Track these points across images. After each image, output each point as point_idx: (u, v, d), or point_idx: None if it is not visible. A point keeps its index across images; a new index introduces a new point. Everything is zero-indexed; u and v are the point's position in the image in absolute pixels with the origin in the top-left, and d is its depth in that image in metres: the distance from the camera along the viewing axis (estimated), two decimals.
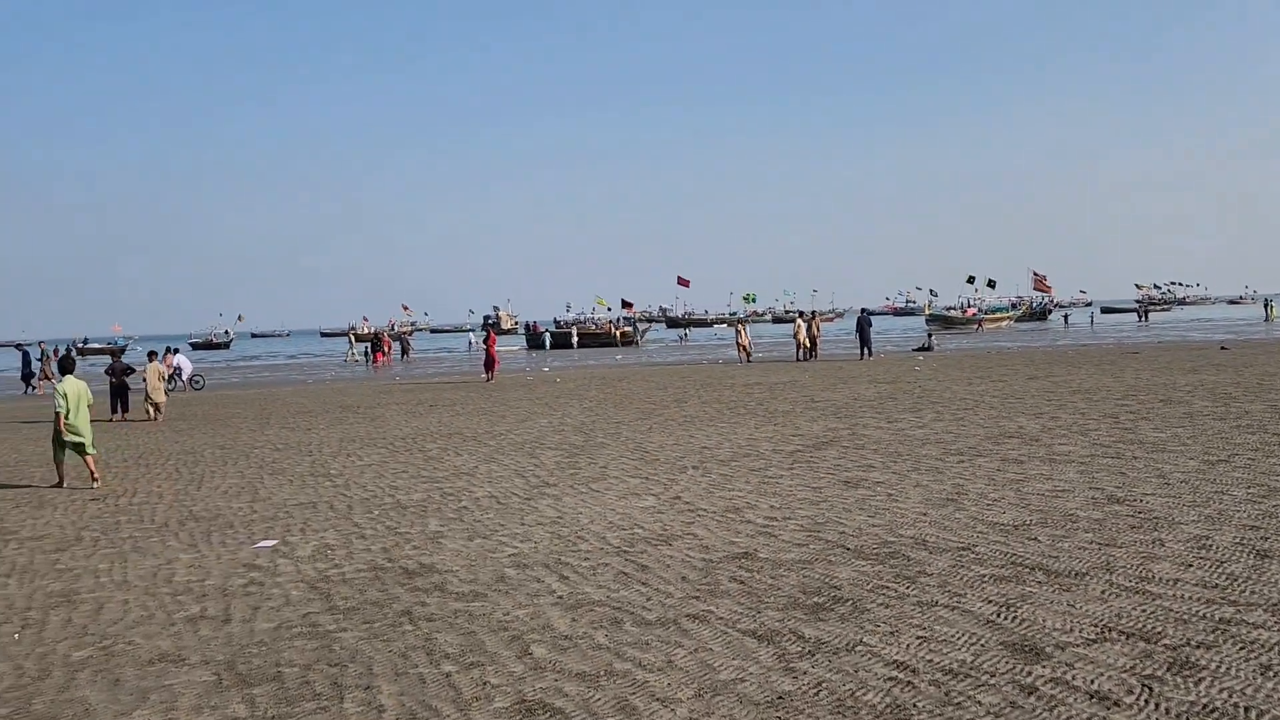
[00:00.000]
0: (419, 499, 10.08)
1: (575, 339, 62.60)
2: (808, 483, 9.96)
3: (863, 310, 35.41)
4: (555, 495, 9.97)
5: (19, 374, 34.92)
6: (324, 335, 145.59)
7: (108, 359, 28.37)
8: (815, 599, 5.95)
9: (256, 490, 11.02)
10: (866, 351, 33.22)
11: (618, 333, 64.54)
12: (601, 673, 4.91)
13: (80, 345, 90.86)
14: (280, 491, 10.89)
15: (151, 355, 21.98)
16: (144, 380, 21.23)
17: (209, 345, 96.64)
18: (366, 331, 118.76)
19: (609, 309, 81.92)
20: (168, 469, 13.10)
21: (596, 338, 64.08)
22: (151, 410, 20.95)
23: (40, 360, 34.90)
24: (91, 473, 11.98)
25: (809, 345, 33.79)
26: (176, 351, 24.50)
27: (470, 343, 67.71)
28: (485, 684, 4.84)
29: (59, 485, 11.99)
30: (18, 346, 40.34)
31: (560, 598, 6.28)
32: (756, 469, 11.00)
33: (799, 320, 34.64)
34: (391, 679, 4.97)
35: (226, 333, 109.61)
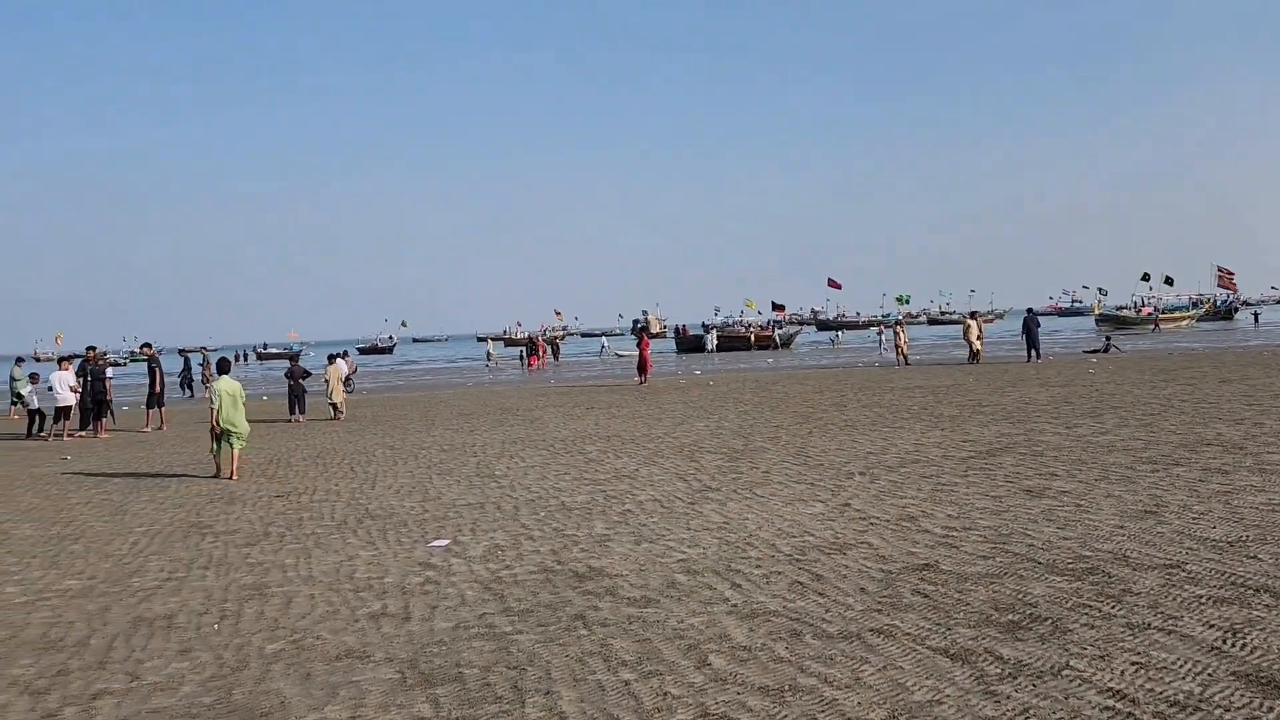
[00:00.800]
0: (583, 501, 10.11)
1: (714, 342, 61.90)
2: (985, 491, 9.46)
3: (1029, 310, 33.75)
4: (719, 500, 9.81)
5: (178, 379, 36.88)
6: (480, 340, 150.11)
7: (286, 363, 29.94)
8: (1010, 616, 5.57)
9: (426, 490, 11.31)
10: (1034, 354, 31.67)
11: (751, 335, 63.50)
12: (785, 687, 4.71)
13: (260, 350, 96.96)
14: (449, 491, 11.14)
15: (331, 358, 23.13)
16: (325, 382, 22.36)
17: (374, 350, 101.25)
18: (520, 336, 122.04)
19: (759, 312, 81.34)
20: (343, 468, 13.64)
21: (743, 341, 63.29)
22: (331, 410, 22.07)
23: (201, 365, 37.15)
24: (233, 468, 13.05)
25: (978, 347, 32.44)
26: (345, 355, 25.60)
27: (603, 347, 67.70)
28: (665, 694, 4.72)
29: (216, 476, 13.23)
30: (180, 352, 42.91)
31: (734, 606, 6.11)
32: (928, 476, 10.54)
33: (969, 320, 33.27)
34: (570, 685, 4.91)
35: (390, 338, 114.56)
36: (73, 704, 4.96)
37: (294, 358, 23.39)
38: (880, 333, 53.61)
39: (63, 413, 20.18)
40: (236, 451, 13.10)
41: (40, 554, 8.69)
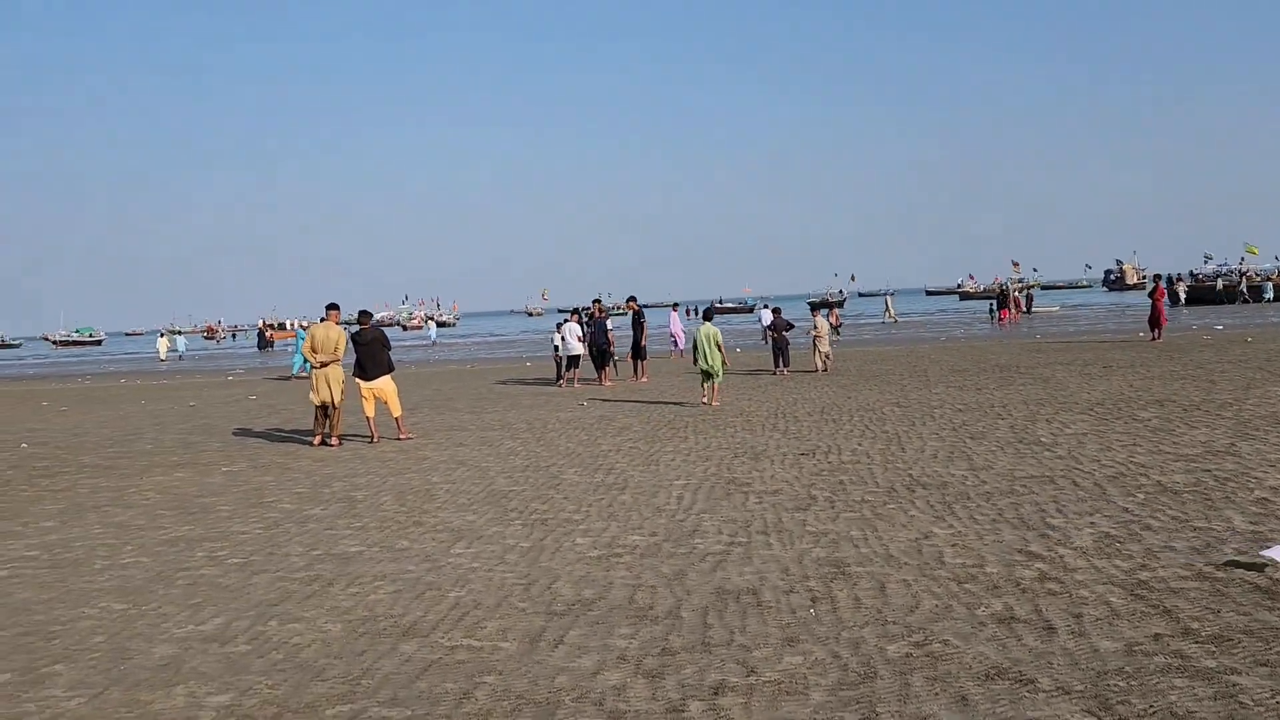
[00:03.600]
0: (1187, 482, 8.11)
1: (1183, 296, 53.08)
2: None
3: None
4: None
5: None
6: (929, 294, 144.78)
7: (760, 316, 30.02)
8: None
9: (969, 456, 9.92)
10: None
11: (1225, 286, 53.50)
12: None
13: (716, 305, 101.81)
14: (996, 459, 9.66)
15: (814, 309, 22.55)
16: (813, 331, 21.87)
17: (824, 304, 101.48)
18: (973, 288, 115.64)
19: (1278, 258, 68.96)
20: (857, 426, 12.69)
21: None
22: (819, 361, 21.55)
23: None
24: (714, 397, 16.04)
25: None
26: (831, 308, 24.77)
27: (992, 307, 59.07)
28: None
29: (705, 403, 16.08)
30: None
31: None
32: None
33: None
34: None
35: (840, 292, 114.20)
36: (694, 697, 4.31)
37: (777, 311, 23.03)
38: None
39: (573, 361, 21.61)
40: (715, 385, 16.07)
41: (594, 503, 8.64)
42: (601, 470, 10.29)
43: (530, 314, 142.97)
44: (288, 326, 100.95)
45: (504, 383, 23.84)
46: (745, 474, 9.66)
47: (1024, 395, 15.03)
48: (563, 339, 21.68)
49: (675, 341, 30.23)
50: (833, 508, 7.94)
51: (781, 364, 21.87)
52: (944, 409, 13.90)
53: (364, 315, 13.69)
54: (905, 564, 6.20)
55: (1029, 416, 12.61)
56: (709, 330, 16.04)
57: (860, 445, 11.05)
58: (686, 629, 5.20)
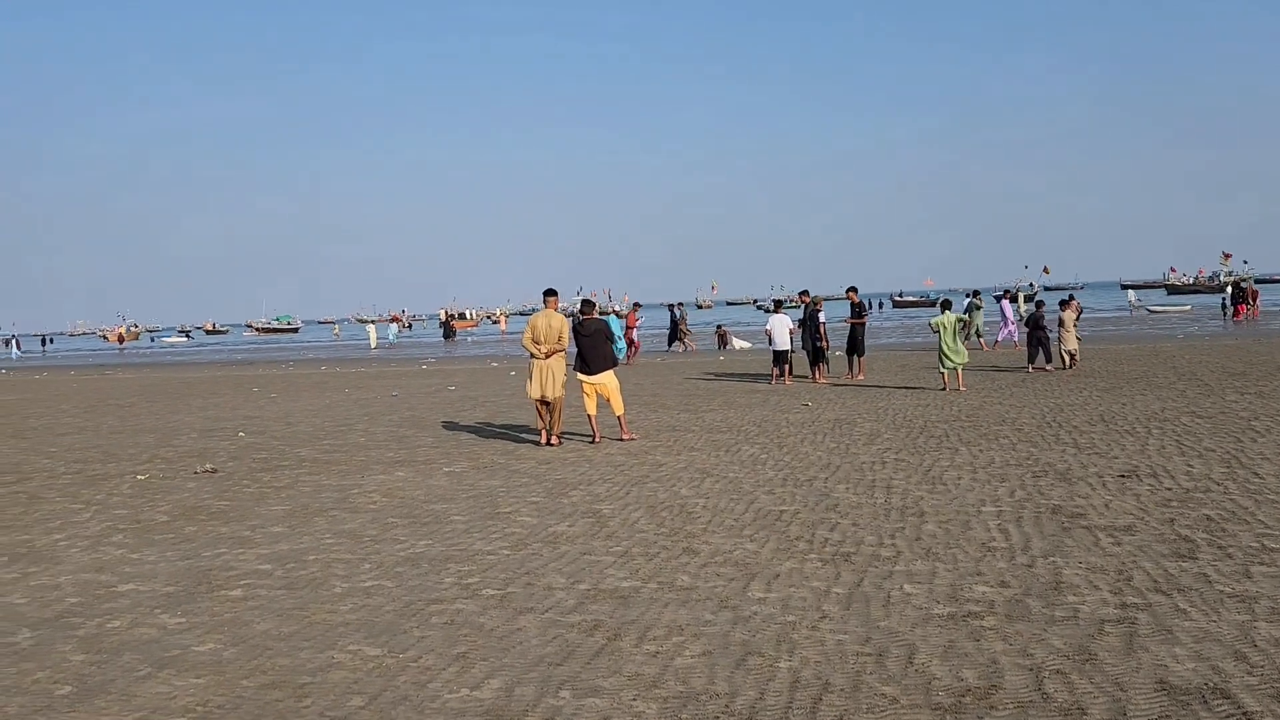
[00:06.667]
0: None
1: None
2: None
3: None
4: None
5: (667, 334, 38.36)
6: (1123, 287, 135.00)
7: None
8: None
9: None
10: None
11: None
12: None
13: (896, 298, 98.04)
14: None
15: (1063, 304, 20.25)
16: (1059, 326, 19.69)
17: (1008, 296, 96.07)
18: (1181, 280, 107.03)
19: None
20: (1164, 440, 10.60)
21: None
22: (1067, 358, 19.35)
23: (678, 319, 36.87)
24: (959, 383, 16.51)
25: None
26: (1072, 299, 21.62)
27: (1224, 302, 51.38)
28: None
29: (943, 389, 16.62)
30: (670, 307, 41.99)
31: None
32: None
33: None
34: None
35: (1031, 285, 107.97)
36: None
37: (1040, 304, 20.71)
38: None
39: (782, 357, 20.06)
40: (953, 371, 16.45)
41: (895, 532, 7.12)
42: (879, 489, 8.75)
43: (700, 306, 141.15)
44: (468, 316, 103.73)
45: (707, 377, 22.56)
46: (1067, 500, 7.91)
47: None
48: (770, 332, 20.19)
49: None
50: (1229, 556, 6.14)
51: (1043, 359, 19.80)
52: (1261, 420, 11.61)
53: (587, 305, 12.64)
54: None
55: None
56: (948, 319, 16.80)
57: (1192, 466, 9.07)
58: None
